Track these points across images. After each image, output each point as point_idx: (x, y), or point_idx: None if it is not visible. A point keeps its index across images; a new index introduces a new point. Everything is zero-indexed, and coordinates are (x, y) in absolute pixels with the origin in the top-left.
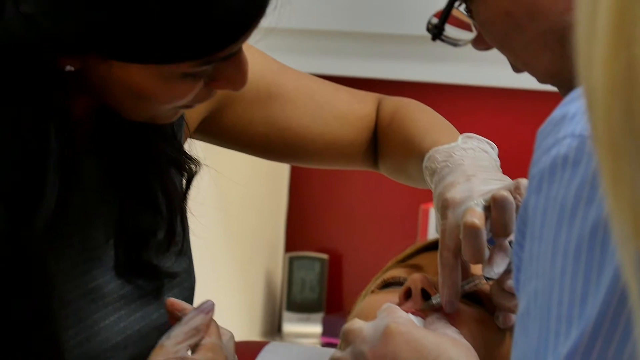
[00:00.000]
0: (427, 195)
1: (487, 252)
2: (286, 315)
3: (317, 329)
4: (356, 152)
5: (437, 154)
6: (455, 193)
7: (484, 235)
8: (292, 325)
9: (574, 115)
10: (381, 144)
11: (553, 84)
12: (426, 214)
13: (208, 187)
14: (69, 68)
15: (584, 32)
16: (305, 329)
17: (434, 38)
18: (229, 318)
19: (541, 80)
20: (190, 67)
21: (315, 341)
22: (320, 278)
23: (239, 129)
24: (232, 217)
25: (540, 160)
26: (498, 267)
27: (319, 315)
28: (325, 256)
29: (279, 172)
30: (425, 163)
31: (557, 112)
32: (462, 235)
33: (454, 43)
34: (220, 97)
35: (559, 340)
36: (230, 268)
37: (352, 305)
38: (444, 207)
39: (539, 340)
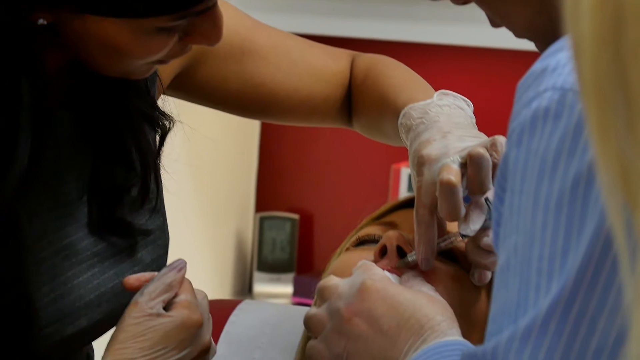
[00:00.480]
0: (398, 155)
1: (463, 210)
2: (257, 275)
3: (288, 289)
4: (330, 109)
5: (413, 110)
6: (431, 150)
7: (460, 193)
8: (263, 286)
9: (555, 68)
10: (355, 101)
11: (530, 39)
12: (398, 174)
13: (179, 145)
14: (41, 22)
15: None
16: (276, 289)
17: None
18: (199, 278)
19: (519, 34)
20: (165, 21)
21: (286, 301)
22: (291, 238)
23: (212, 85)
24: (202, 177)
25: (521, 113)
26: (474, 224)
27: (290, 276)
28: (296, 216)
29: (249, 131)
30: (401, 120)
31: (537, 65)
32: (438, 193)
33: None
34: (194, 53)
35: (540, 294)
36: (200, 228)
37: (322, 266)
38: (420, 164)
39: (519, 295)
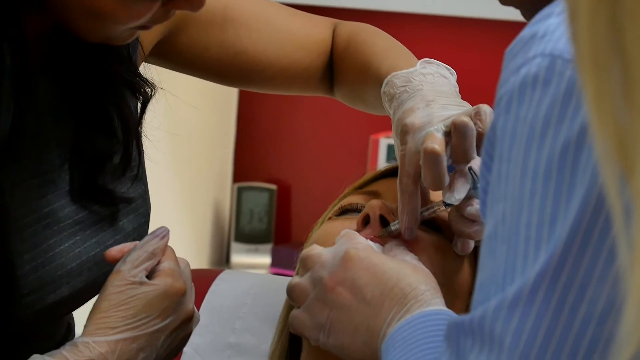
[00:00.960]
0: (377, 125)
1: (447, 179)
2: (234, 246)
3: (266, 259)
4: (312, 77)
5: (396, 79)
6: (415, 118)
7: (444, 161)
8: (241, 256)
9: (544, 34)
10: (337, 69)
11: (516, 6)
12: (376, 144)
13: (159, 113)
14: None
15: None
16: (253, 260)
17: None
18: (176, 249)
19: (505, 1)
20: None
21: (264, 272)
22: (268, 209)
23: (194, 53)
24: (179, 146)
25: (509, 80)
26: (459, 193)
27: (268, 246)
28: (273, 187)
29: (226, 101)
30: (384, 88)
31: (526, 31)
32: (422, 161)
33: None
34: (175, 19)
35: (528, 262)
36: (178, 198)
37: (300, 236)
38: (404, 133)
39: (507, 263)
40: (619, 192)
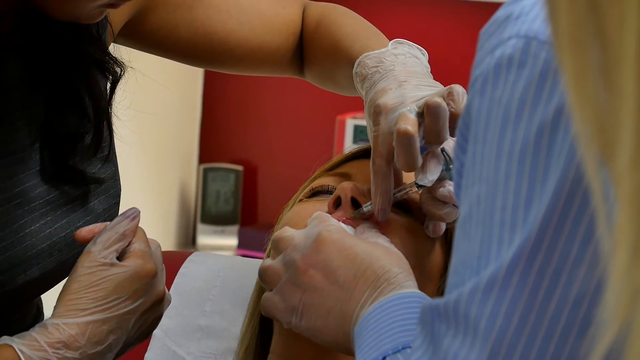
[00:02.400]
0: (344, 106)
1: (420, 160)
2: (200, 227)
3: (233, 241)
4: (282, 58)
5: (368, 59)
6: (388, 99)
7: (418, 142)
8: (207, 238)
9: (519, 15)
10: (307, 50)
11: None
12: (342, 125)
13: (125, 93)
14: None
15: None
16: (220, 242)
17: None
18: (143, 229)
19: None
20: None
21: (231, 253)
22: (235, 190)
23: (163, 33)
24: (144, 127)
25: (484, 61)
26: (432, 175)
27: (234, 228)
28: (240, 168)
29: (192, 81)
30: (356, 69)
31: (501, 12)
32: (395, 142)
33: None
34: None
35: (502, 246)
36: (143, 179)
37: (267, 218)
38: (376, 114)
39: (481, 246)
40: (598, 175)
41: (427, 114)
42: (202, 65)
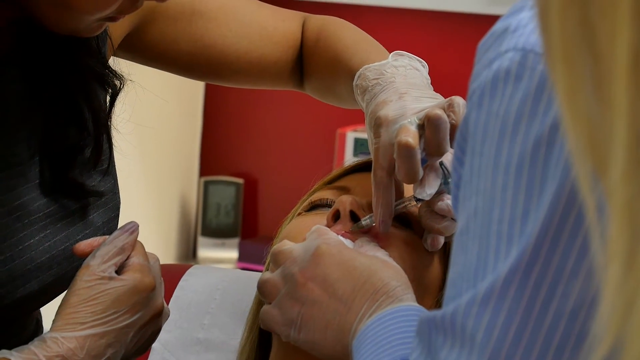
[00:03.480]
0: (344, 119)
1: (421, 172)
2: (201, 240)
3: (233, 254)
4: (282, 71)
5: (368, 71)
6: (388, 111)
7: (419, 154)
8: (208, 251)
9: (516, 28)
10: (307, 63)
11: None
12: (343, 138)
13: (125, 107)
14: None
15: None
16: (220, 254)
17: None
18: (143, 242)
19: None
20: None
21: (231, 266)
22: (235, 203)
23: (163, 47)
24: (146, 140)
25: (481, 74)
26: (430, 188)
27: (235, 241)
28: (240, 180)
29: (193, 94)
30: (356, 81)
31: (498, 25)
32: (396, 155)
33: None
34: (144, 12)
35: (499, 258)
36: (144, 192)
37: (267, 231)
38: (377, 126)
39: (478, 259)
40: (592, 188)
41: (427, 126)
42: (202, 78)
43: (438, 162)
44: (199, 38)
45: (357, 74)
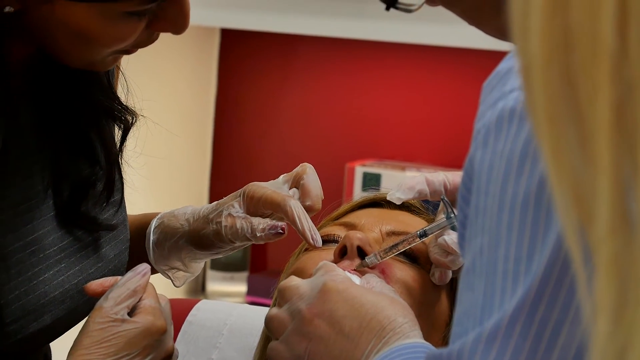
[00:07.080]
0: (352, 154)
1: None
2: (210, 274)
3: (242, 288)
4: None
5: None
6: None
7: None
8: (216, 284)
9: None
10: None
11: (504, 40)
12: (352, 173)
13: (136, 140)
14: (8, 9)
15: (518, 4)
16: (229, 288)
17: (387, 7)
18: (152, 277)
19: (492, 35)
20: (135, 5)
21: (240, 300)
22: None
23: None
24: (155, 173)
25: (486, 114)
26: (401, 193)
27: (244, 274)
28: None
29: (202, 128)
30: None
31: (503, 65)
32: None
33: (408, 10)
34: None
35: (505, 296)
36: None
37: (276, 265)
38: None
39: (485, 297)
40: (578, 241)
41: None
42: None
43: (441, 197)
44: None
45: None
